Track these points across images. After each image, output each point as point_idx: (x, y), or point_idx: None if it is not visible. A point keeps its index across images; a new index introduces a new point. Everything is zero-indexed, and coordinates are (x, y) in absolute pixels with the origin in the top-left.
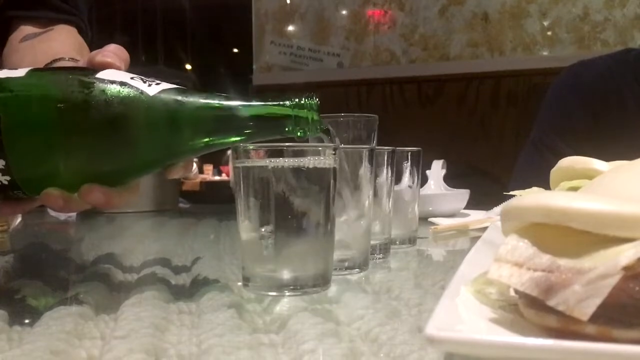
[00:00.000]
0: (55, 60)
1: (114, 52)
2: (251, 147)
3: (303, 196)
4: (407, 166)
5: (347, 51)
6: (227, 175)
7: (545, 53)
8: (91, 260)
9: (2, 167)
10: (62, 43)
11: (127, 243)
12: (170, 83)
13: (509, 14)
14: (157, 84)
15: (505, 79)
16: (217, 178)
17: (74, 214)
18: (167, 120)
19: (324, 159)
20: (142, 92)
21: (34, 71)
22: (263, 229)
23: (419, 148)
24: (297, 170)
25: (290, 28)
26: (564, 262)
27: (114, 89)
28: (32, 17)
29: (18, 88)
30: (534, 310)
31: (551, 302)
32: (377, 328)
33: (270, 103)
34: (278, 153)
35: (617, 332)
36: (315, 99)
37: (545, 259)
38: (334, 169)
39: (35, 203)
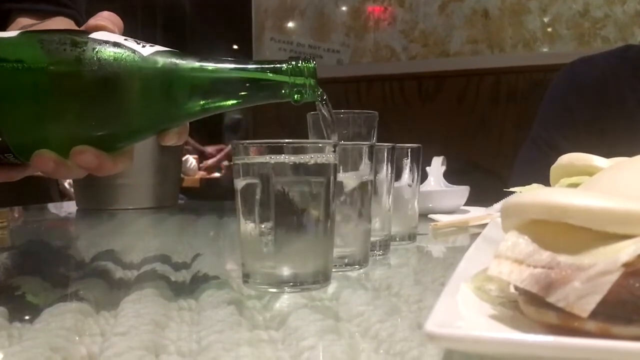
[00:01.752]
0: None
1: (107, 17)
2: (251, 144)
3: (303, 193)
4: (407, 163)
5: (347, 48)
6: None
7: (545, 50)
8: (91, 257)
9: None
10: (65, 25)
11: (127, 240)
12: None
13: (509, 10)
14: (151, 45)
15: (506, 76)
16: (216, 175)
17: (73, 211)
18: (161, 81)
19: (324, 155)
20: (135, 53)
21: (25, 32)
22: (263, 226)
23: (419, 145)
24: (297, 167)
25: (290, 25)
26: (564, 259)
27: (106, 49)
28: (30, 10)
29: (9, 48)
30: (533, 306)
31: (551, 299)
32: (377, 325)
33: (267, 66)
34: (278, 149)
35: (617, 328)
36: (313, 62)
37: (545, 255)
38: (334, 165)
39: (27, 170)
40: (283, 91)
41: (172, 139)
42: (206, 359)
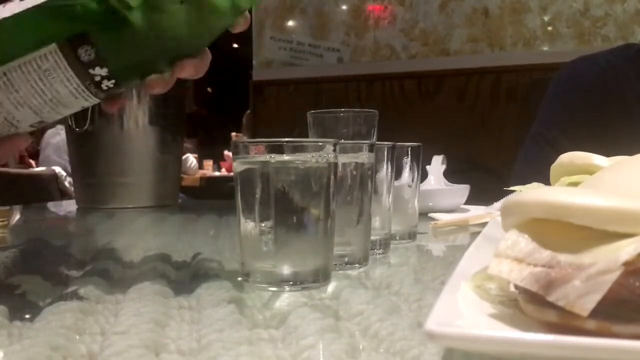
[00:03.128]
0: None
1: None
2: (251, 143)
3: (303, 192)
4: (407, 161)
5: (347, 46)
6: (227, 170)
7: (545, 48)
8: (91, 256)
9: (107, 74)
10: None
11: (127, 238)
12: None
13: (510, 9)
14: None
15: (506, 75)
16: (216, 174)
17: (73, 210)
18: None
19: (324, 155)
20: None
21: None
22: (263, 225)
23: (419, 143)
24: (297, 166)
25: (290, 23)
26: (564, 258)
27: None
28: None
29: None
30: (534, 305)
31: (551, 298)
32: (377, 323)
33: None
34: (278, 148)
35: (617, 327)
36: None
37: (546, 254)
38: (334, 164)
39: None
40: None
41: (241, 26)
42: (206, 358)
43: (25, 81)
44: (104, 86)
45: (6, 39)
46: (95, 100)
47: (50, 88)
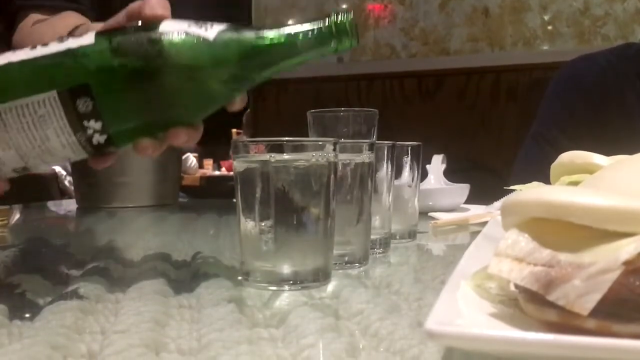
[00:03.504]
0: (76, 27)
1: (159, 3)
2: (251, 142)
3: (303, 191)
4: (407, 161)
5: None
6: (227, 170)
7: (545, 47)
8: (91, 255)
9: (100, 128)
10: (76, 19)
11: (127, 238)
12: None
13: (510, 8)
14: (211, 26)
15: (506, 74)
16: (217, 173)
17: (74, 209)
18: (231, 57)
19: (324, 154)
20: (203, 38)
21: (100, 35)
22: (263, 224)
23: (419, 143)
24: (297, 165)
25: (290, 22)
26: (564, 257)
27: (179, 39)
28: (41, 6)
29: (96, 55)
30: (534, 304)
31: (551, 297)
32: (377, 322)
33: (316, 27)
34: (278, 148)
35: (617, 326)
36: (350, 14)
37: (546, 253)
38: (334, 163)
39: (119, 151)
40: (331, 47)
41: (237, 105)
42: (206, 357)
43: (18, 123)
44: (94, 141)
45: (8, 82)
46: (82, 154)
47: (42, 134)
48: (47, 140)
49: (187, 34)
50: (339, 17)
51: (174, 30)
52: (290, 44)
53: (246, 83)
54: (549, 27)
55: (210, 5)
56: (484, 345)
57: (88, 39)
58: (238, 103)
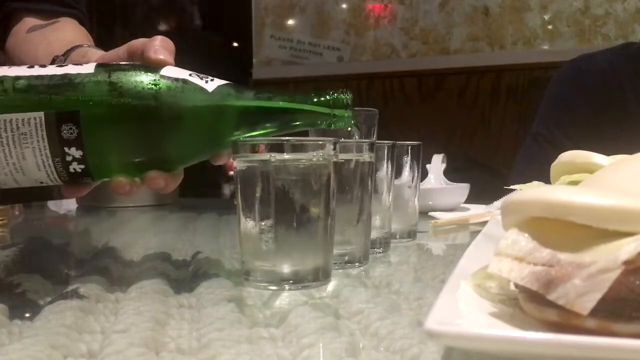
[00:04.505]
0: (72, 48)
1: (164, 47)
2: (251, 142)
3: (303, 190)
4: (407, 160)
5: (347, 45)
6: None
7: (545, 47)
8: (91, 255)
9: (79, 157)
10: (72, 32)
11: (127, 237)
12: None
13: (510, 7)
14: (212, 80)
15: (506, 73)
16: None
17: (74, 209)
18: (225, 113)
19: (324, 153)
20: (202, 89)
21: (100, 66)
22: (263, 223)
23: (419, 142)
24: (297, 165)
25: (290, 22)
26: (564, 256)
27: (178, 85)
28: (35, 10)
29: (92, 85)
30: (534, 304)
31: (551, 296)
32: (377, 322)
33: (312, 100)
34: (278, 147)
35: (617, 326)
36: (349, 94)
37: (546, 253)
38: (334, 162)
39: (94, 185)
40: (323, 120)
41: (222, 160)
42: (206, 357)
43: None
44: (71, 169)
45: None
46: (55, 180)
47: (19, 152)
48: (22, 159)
49: (186, 82)
50: (340, 94)
51: (174, 76)
52: (287, 109)
53: (234, 140)
54: (549, 27)
55: (210, 6)
56: (483, 345)
57: (88, 68)
58: (223, 158)
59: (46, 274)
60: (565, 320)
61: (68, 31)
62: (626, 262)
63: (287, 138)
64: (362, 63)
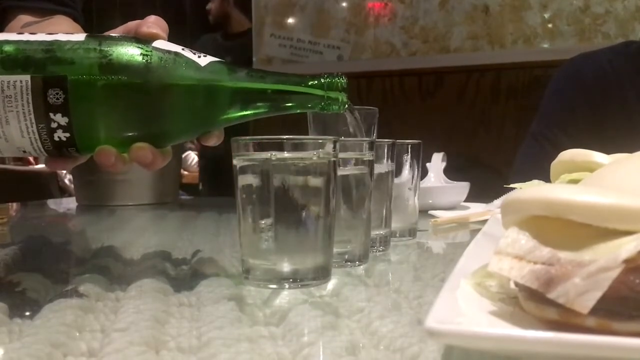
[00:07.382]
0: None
1: (156, 23)
2: (251, 140)
3: (303, 189)
4: (407, 159)
5: (347, 44)
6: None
7: (546, 45)
8: (91, 253)
9: (65, 124)
10: (67, 28)
11: (127, 236)
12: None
13: (510, 6)
14: (205, 56)
15: (506, 72)
16: None
17: (73, 207)
18: (216, 89)
19: (324, 152)
20: (194, 62)
21: (91, 36)
22: (263, 222)
23: (419, 141)
24: (297, 163)
25: (290, 21)
26: (564, 255)
27: (170, 57)
28: (30, 7)
29: (82, 51)
30: (534, 303)
31: (551, 295)
32: (377, 321)
33: (306, 80)
34: (278, 146)
35: (617, 324)
36: (344, 78)
37: (546, 251)
38: (335, 161)
39: (82, 160)
40: (316, 102)
41: (212, 140)
42: (206, 355)
43: None
44: (56, 137)
45: None
46: (39, 149)
47: (2, 116)
48: (6, 123)
49: (178, 54)
50: (335, 77)
51: (166, 48)
52: (280, 90)
53: (225, 120)
54: (549, 25)
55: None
56: (483, 343)
57: (79, 37)
58: (213, 138)
59: (46, 273)
60: (565, 319)
61: (62, 27)
62: (626, 261)
63: (287, 137)
64: (362, 61)
